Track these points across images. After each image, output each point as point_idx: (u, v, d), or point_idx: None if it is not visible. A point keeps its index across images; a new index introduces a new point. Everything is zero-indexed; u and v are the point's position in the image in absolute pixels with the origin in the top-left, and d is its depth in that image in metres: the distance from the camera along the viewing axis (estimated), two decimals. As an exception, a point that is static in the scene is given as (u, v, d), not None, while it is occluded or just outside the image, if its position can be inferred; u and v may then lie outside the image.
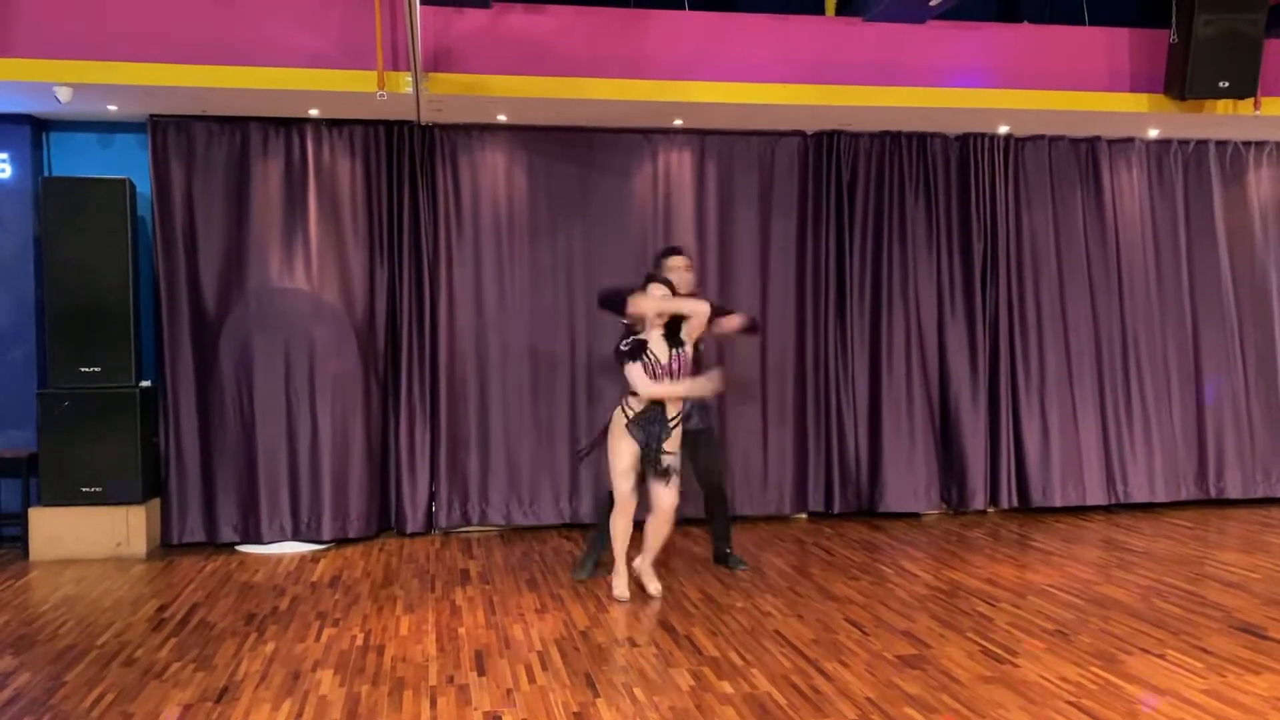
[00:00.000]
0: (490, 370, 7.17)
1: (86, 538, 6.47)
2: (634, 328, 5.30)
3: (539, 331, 7.23)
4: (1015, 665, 4.33)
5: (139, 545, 6.54)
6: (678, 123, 7.17)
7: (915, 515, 7.57)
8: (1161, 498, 7.79)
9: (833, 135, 7.48)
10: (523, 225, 7.22)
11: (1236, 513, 7.67)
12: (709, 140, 7.39)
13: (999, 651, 4.51)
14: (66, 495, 6.46)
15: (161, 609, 5.36)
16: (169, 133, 6.75)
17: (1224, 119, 7.21)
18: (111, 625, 5.07)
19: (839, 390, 7.51)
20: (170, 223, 6.76)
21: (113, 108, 6.56)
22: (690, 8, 6.68)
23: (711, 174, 7.41)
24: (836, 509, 7.50)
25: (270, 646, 4.71)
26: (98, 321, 6.47)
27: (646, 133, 7.31)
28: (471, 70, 6.24)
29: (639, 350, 5.21)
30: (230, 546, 6.81)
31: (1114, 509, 7.76)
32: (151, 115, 6.72)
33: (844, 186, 7.52)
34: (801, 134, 7.50)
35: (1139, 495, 7.76)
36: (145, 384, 6.73)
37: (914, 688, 4.08)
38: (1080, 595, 5.40)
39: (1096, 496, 7.69)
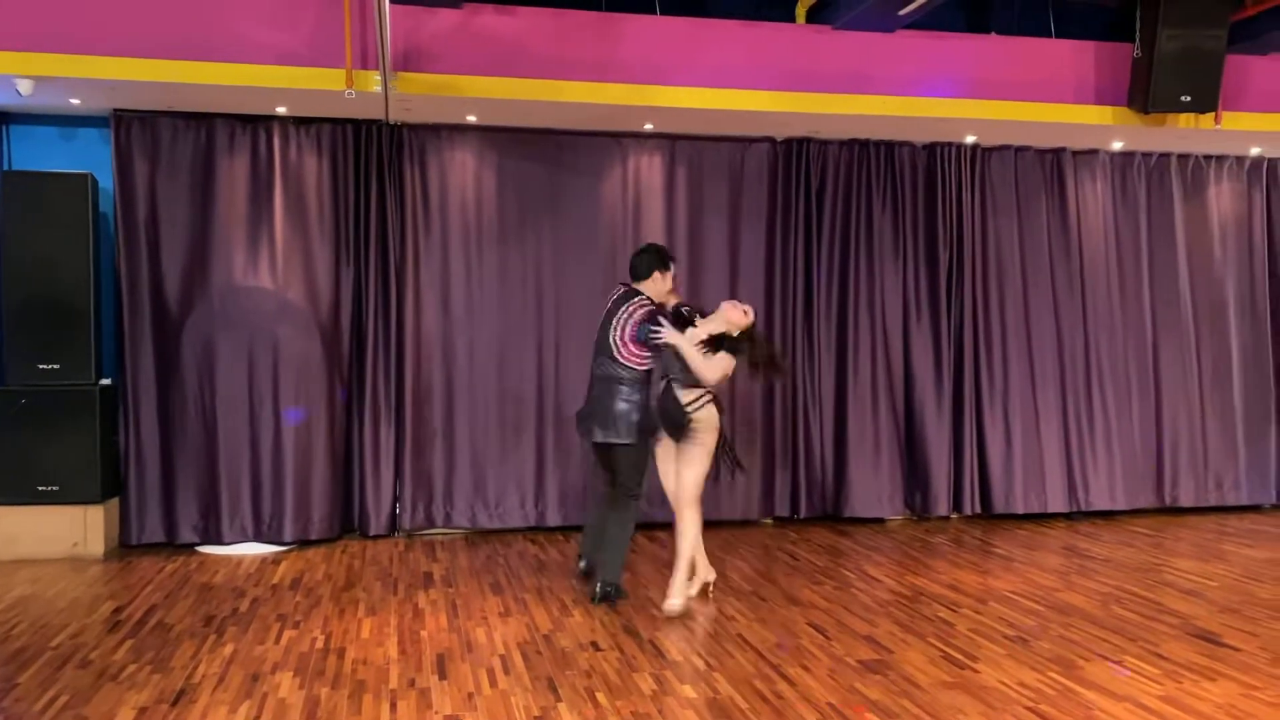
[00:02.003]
0: (456, 371, 7.14)
1: (43, 537, 6.36)
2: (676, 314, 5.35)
3: (506, 333, 7.20)
4: (975, 670, 4.36)
5: (96, 545, 6.44)
6: (648, 127, 7.17)
7: (879, 520, 7.62)
8: (1121, 505, 7.90)
9: (802, 142, 7.52)
10: (491, 226, 7.20)
11: (1194, 520, 7.78)
12: (679, 145, 7.41)
13: (960, 657, 4.54)
14: (23, 494, 6.34)
15: (118, 610, 5.28)
16: (133, 128, 6.67)
17: (1186, 132, 7.32)
18: (66, 626, 4.99)
19: (805, 396, 7.55)
20: (133, 219, 6.68)
21: (75, 101, 6.47)
22: (661, 13, 6.69)
23: (681, 179, 7.43)
24: (802, 514, 7.54)
25: (229, 648, 4.65)
26: (57, 318, 6.37)
27: (617, 136, 7.31)
28: (441, 70, 6.21)
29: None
30: (190, 547, 6.73)
31: (1075, 516, 7.84)
32: (115, 110, 6.63)
33: (813, 193, 7.56)
34: (771, 140, 7.53)
35: (1099, 503, 7.86)
36: (105, 382, 6.62)
37: (875, 692, 4.10)
38: (1041, 601, 5.45)
39: (1058, 503, 7.77)
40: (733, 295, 7.44)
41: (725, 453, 5.42)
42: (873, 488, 7.56)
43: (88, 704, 3.98)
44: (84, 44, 5.83)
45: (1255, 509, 8.18)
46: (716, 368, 5.17)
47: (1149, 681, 4.22)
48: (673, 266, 5.50)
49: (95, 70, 5.88)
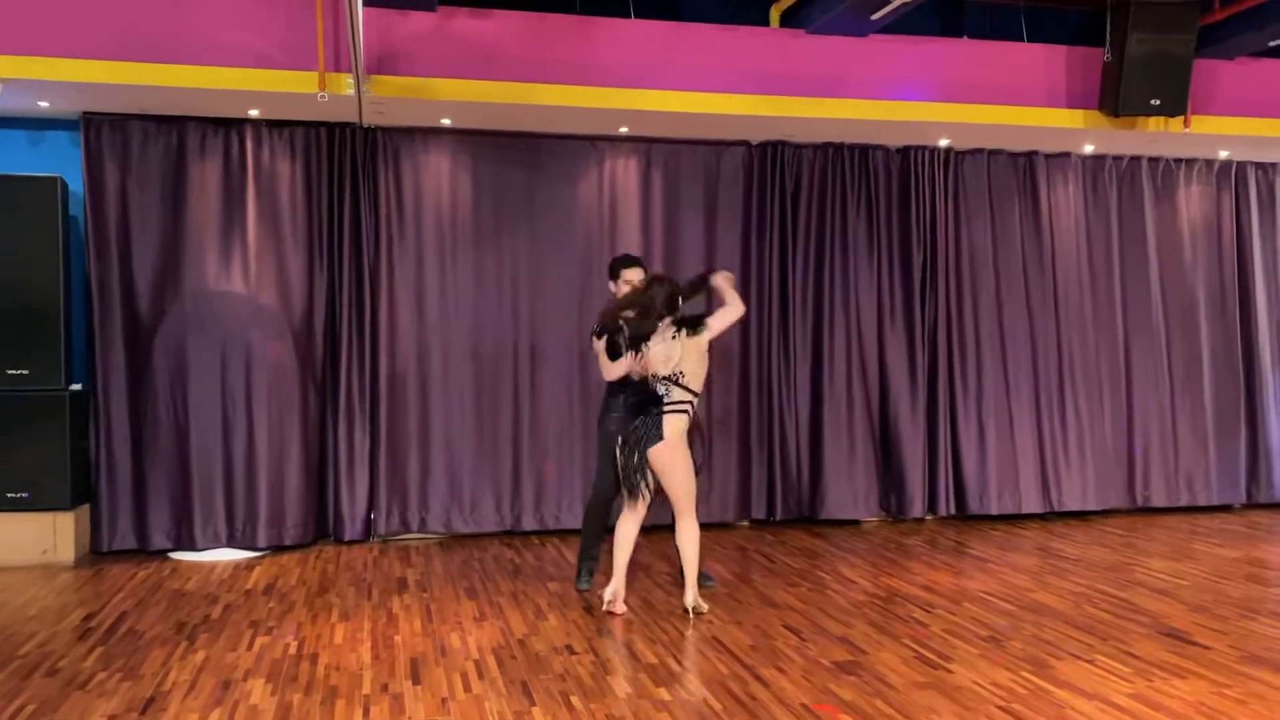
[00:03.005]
0: (431, 376, 7.11)
1: (12, 545, 6.28)
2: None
3: (481, 337, 7.18)
4: (949, 671, 4.38)
5: (67, 552, 6.38)
6: (624, 130, 7.18)
7: (855, 522, 7.64)
8: (1094, 506, 7.96)
9: (777, 146, 7.54)
10: (466, 230, 7.18)
11: (1166, 520, 7.85)
12: (655, 148, 7.41)
13: (933, 657, 4.55)
14: (-9, 501, 6.27)
15: (88, 618, 5.23)
16: (103, 131, 6.61)
17: (1156, 136, 7.40)
18: (35, 635, 4.93)
19: (781, 399, 7.56)
20: (103, 223, 6.61)
21: (44, 104, 6.41)
22: (636, 16, 6.69)
23: (657, 182, 7.43)
24: (779, 516, 7.55)
25: (200, 655, 4.61)
26: (26, 322, 6.30)
27: (593, 140, 7.31)
28: (415, 73, 6.20)
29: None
30: (163, 554, 6.67)
31: (1049, 517, 7.89)
32: (85, 113, 6.57)
33: (788, 197, 7.58)
34: (746, 144, 7.55)
35: (1072, 503, 7.91)
36: (76, 387, 6.56)
37: (849, 693, 4.11)
38: (1014, 602, 5.48)
39: (1032, 504, 7.83)
40: (708, 298, 7.42)
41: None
42: (848, 490, 7.59)
43: (55, 713, 3.94)
44: (53, 46, 5.78)
45: (1226, 509, 8.27)
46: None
47: (1120, 680, 4.25)
48: (621, 275, 5.62)
49: (64, 73, 5.83)
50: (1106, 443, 8.02)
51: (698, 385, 5.19)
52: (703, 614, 5.19)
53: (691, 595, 5.23)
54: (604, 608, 5.25)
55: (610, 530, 5.45)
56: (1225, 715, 3.87)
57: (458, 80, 6.25)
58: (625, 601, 5.28)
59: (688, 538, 5.22)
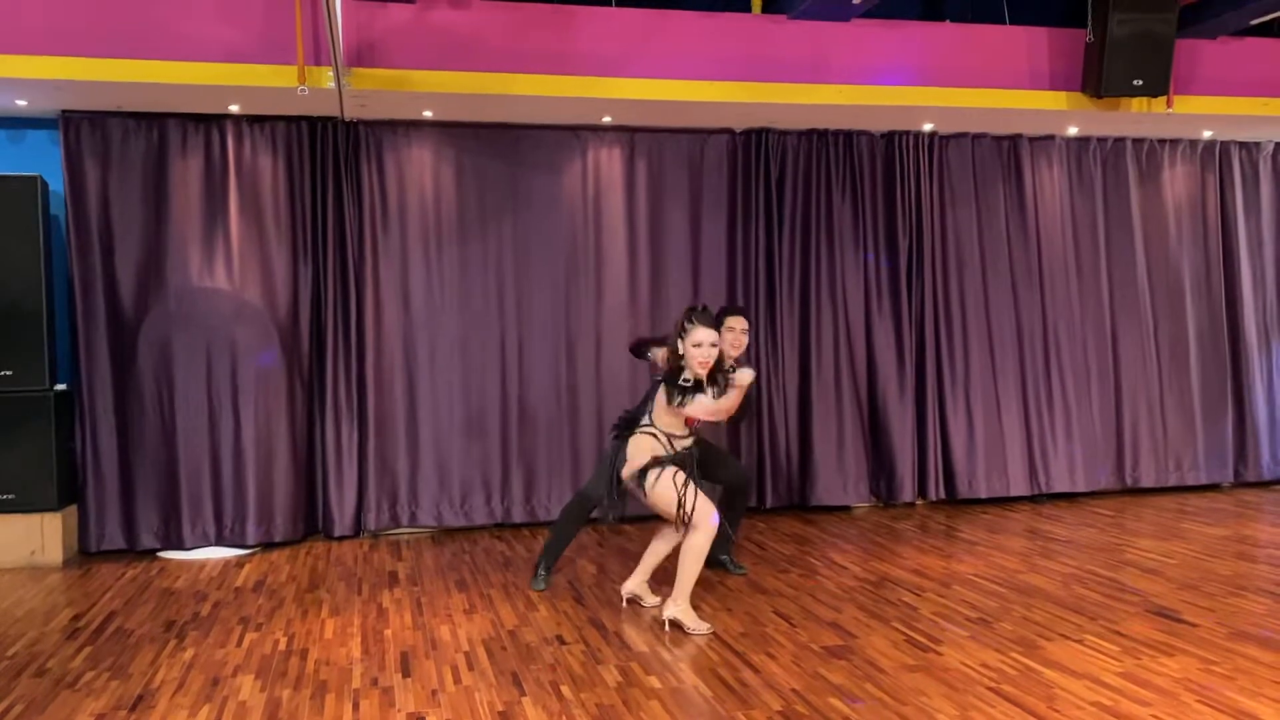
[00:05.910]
0: (419, 370, 7.09)
1: (-1, 546, 6.27)
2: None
3: (468, 330, 7.16)
4: (939, 653, 4.39)
5: (55, 553, 6.35)
6: (607, 119, 7.15)
7: (846, 508, 7.65)
8: (1082, 488, 7.98)
9: (761, 133, 7.52)
10: (451, 223, 7.15)
11: (1154, 500, 7.88)
12: (638, 137, 7.39)
13: (923, 640, 4.56)
14: (-23, 503, 6.24)
15: (76, 618, 5.21)
16: (83, 129, 6.56)
17: (1139, 117, 7.40)
18: (23, 636, 4.91)
19: (770, 387, 7.56)
20: (85, 222, 6.57)
21: (22, 102, 6.36)
22: (617, 4, 6.67)
23: (641, 171, 7.41)
24: (769, 504, 7.55)
25: (189, 653, 4.60)
26: (9, 323, 6.25)
27: (576, 129, 7.29)
28: (396, 65, 6.16)
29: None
30: (151, 553, 6.64)
31: (1038, 499, 7.91)
32: (64, 111, 6.52)
33: (773, 184, 7.57)
34: (730, 131, 7.53)
35: (1061, 485, 7.93)
36: (60, 387, 6.52)
37: (839, 678, 4.11)
38: (1004, 584, 5.49)
39: (1020, 487, 7.84)
40: (695, 287, 7.46)
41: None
42: (838, 476, 7.59)
43: (43, 713, 3.92)
44: (29, 44, 5.73)
45: (1214, 488, 8.30)
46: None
47: (1109, 659, 4.27)
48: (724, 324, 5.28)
49: (42, 70, 5.77)
50: (1094, 424, 8.04)
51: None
52: (667, 630, 4.81)
53: (672, 608, 4.84)
54: (624, 602, 5.23)
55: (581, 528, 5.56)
56: (1213, 691, 3.89)
57: (438, 72, 6.22)
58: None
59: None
